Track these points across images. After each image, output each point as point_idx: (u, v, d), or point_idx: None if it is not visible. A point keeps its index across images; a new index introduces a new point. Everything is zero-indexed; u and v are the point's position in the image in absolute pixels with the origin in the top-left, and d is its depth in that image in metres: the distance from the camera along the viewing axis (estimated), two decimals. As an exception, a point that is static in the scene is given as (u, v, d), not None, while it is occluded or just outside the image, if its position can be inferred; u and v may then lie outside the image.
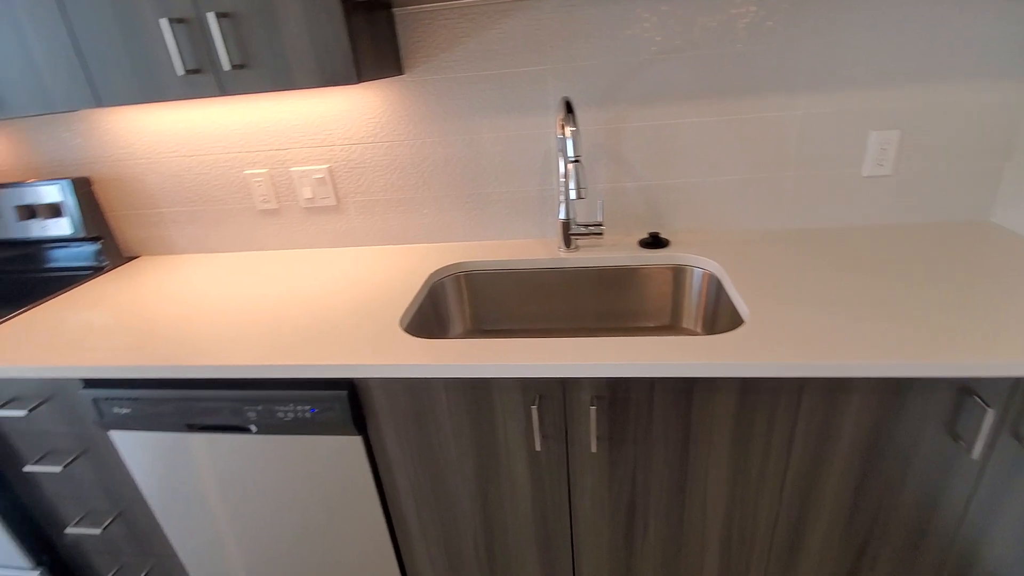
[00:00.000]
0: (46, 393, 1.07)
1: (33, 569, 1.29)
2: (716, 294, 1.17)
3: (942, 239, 1.17)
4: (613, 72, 1.20)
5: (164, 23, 0.96)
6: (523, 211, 1.38)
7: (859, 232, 1.25)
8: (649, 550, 1.06)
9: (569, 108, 1.09)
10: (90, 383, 1.03)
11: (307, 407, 0.97)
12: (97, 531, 1.23)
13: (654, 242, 1.29)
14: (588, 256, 1.27)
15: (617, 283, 1.29)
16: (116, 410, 1.03)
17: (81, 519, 1.24)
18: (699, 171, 1.28)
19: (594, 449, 0.92)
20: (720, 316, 1.14)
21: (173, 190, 1.48)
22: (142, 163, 1.45)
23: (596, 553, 1.09)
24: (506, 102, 1.26)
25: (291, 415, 0.98)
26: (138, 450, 1.09)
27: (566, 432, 0.94)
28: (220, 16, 0.96)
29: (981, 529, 0.93)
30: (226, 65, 0.98)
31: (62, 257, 1.49)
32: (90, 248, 1.48)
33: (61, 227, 1.45)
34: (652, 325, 1.31)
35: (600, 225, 1.26)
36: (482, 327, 1.37)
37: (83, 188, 1.44)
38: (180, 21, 0.98)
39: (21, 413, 1.06)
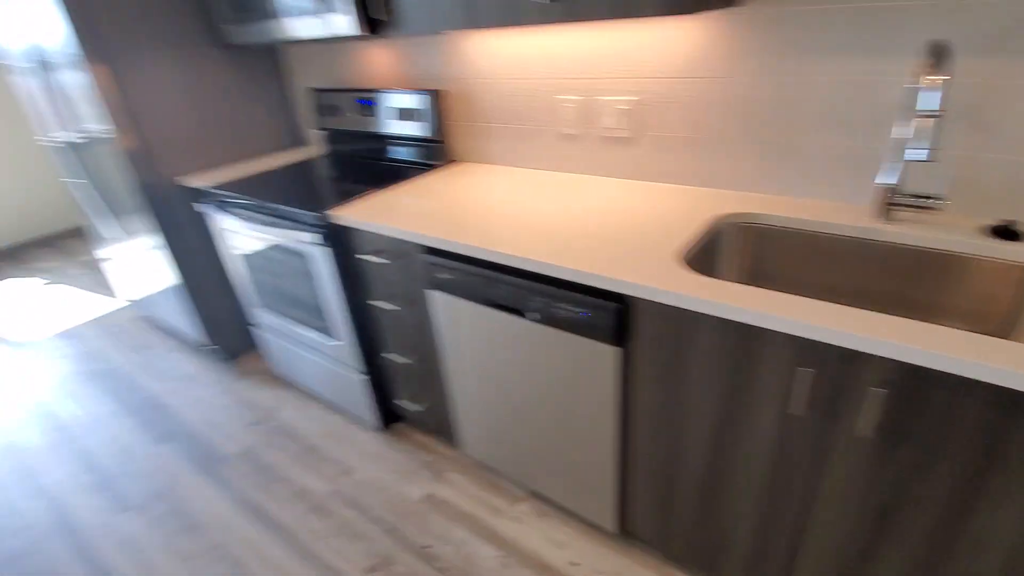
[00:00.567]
0: (398, 250, 1.44)
1: (363, 375, 1.79)
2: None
3: None
4: (1018, 12, 0.95)
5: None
6: (833, 168, 1.24)
7: None
8: (890, 564, 0.95)
9: (941, 53, 0.91)
10: (427, 250, 1.35)
11: (580, 309, 1.10)
12: (404, 361, 1.64)
13: (1006, 233, 1.03)
14: (909, 232, 1.09)
15: (938, 271, 1.09)
16: (440, 275, 1.33)
17: (397, 349, 1.67)
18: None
19: (862, 434, 0.85)
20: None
21: (499, 107, 1.73)
22: (482, 82, 1.72)
23: (824, 540, 1.02)
24: (852, 41, 1.11)
25: (566, 313, 1.13)
26: (445, 310, 1.40)
27: (833, 406, 0.88)
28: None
29: None
30: (579, -6, 1.09)
31: (412, 152, 1.91)
32: (432, 148, 1.86)
33: (417, 128, 1.84)
34: (967, 329, 1.08)
35: (938, 199, 1.06)
36: (754, 284, 1.32)
37: (438, 100, 1.79)
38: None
39: (384, 261, 1.45)
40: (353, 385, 1.85)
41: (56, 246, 4.16)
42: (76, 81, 1.86)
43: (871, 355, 0.81)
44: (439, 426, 1.74)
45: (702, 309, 0.92)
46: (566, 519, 1.54)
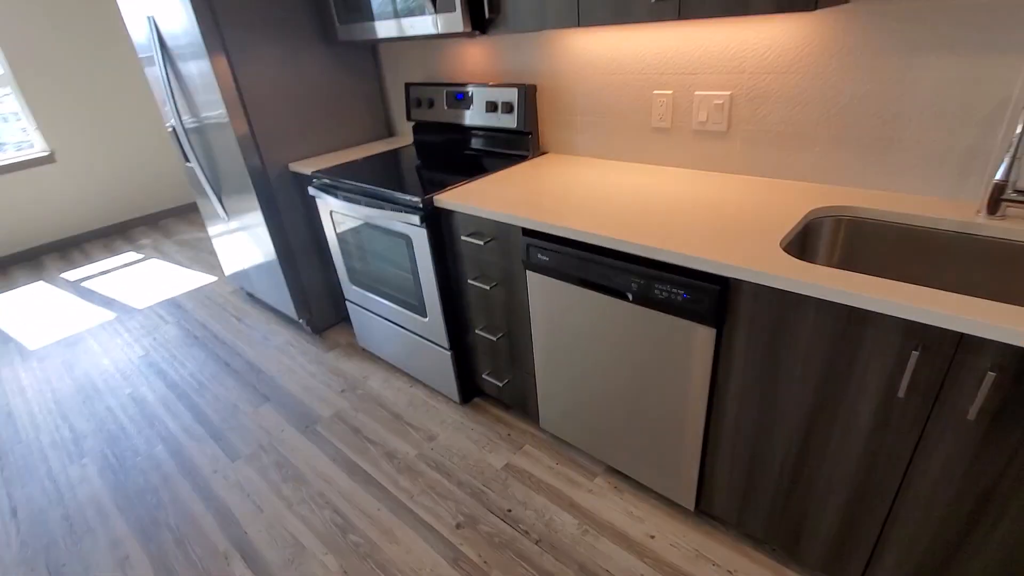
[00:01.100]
0: (496, 233, 1.54)
1: (448, 350, 1.92)
2: None
3: None
4: None
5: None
6: (936, 164, 1.25)
7: None
8: (986, 551, 0.98)
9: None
10: (526, 232, 1.44)
11: (681, 291, 1.17)
12: (490, 338, 1.75)
13: None
14: (1019, 228, 1.10)
15: (1047, 268, 1.09)
16: (539, 256, 1.43)
17: (484, 327, 1.78)
18: None
19: (971, 417, 0.88)
20: None
21: (589, 101, 1.80)
22: (573, 77, 1.80)
23: (916, 525, 1.05)
24: (961, 37, 1.12)
25: (665, 294, 1.20)
26: (541, 289, 1.49)
27: (939, 390, 0.92)
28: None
29: None
30: (693, -7, 1.15)
31: (504, 143, 2.01)
32: (522, 139, 1.95)
33: (508, 121, 1.94)
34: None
35: (1051, 195, 1.07)
36: (844, 276, 1.34)
37: (530, 93, 1.88)
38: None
39: (481, 242, 1.56)
40: (438, 360, 1.98)
41: (160, 225, 4.54)
42: (198, 70, 2.06)
43: (983, 339, 0.84)
44: (518, 401, 1.85)
45: (810, 292, 0.97)
46: (642, 495, 1.61)
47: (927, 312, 0.86)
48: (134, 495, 1.80)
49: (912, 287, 0.91)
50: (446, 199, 1.61)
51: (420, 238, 1.71)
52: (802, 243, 1.29)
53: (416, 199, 1.65)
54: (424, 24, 1.68)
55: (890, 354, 0.95)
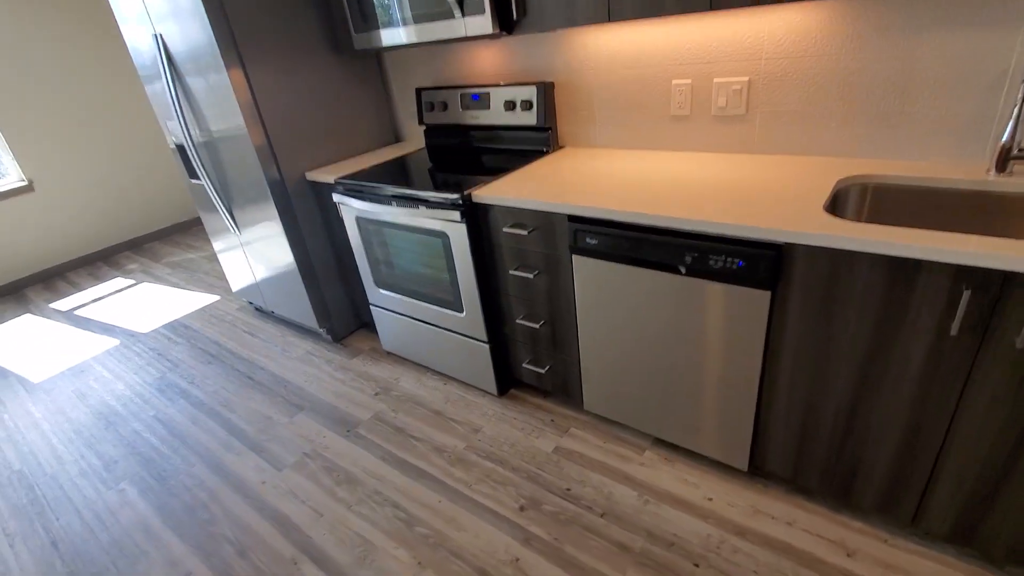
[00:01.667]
0: (539, 222, 1.61)
1: (486, 343, 1.97)
2: None
3: None
4: None
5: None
6: (946, 132, 1.38)
7: None
8: (1038, 467, 1.09)
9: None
10: (573, 219, 1.52)
11: (736, 260, 1.26)
12: (532, 326, 1.81)
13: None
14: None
15: (1055, 216, 1.23)
16: (588, 240, 1.50)
17: (525, 316, 1.84)
18: None
19: (1020, 346, 0.99)
20: None
21: (607, 95, 1.89)
22: (591, 73, 1.89)
23: (967, 456, 1.16)
24: (966, 14, 1.25)
25: (720, 264, 1.29)
26: (588, 272, 1.56)
27: (987, 325, 1.03)
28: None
29: None
30: (727, -16, 1.25)
31: (523, 140, 2.08)
32: (541, 135, 2.03)
33: (527, 118, 2.02)
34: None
35: (1055, 150, 1.20)
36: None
37: (548, 90, 1.96)
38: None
39: (524, 232, 1.63)
40: (475, 354, 2.03)
41: (145, 248, 4.43)
42: (211, 84, 2.06)
43: (1028, 275, 0.95)
44: (560, 387, 1.91)
45: (867, 249, 1.07)
46: (692, 462, 1.69)
47: (976, 255, 0.97)
48: (183, 513, 1.78)
49: (960, 235, 1.02)
50: (486, 194, 1.67)
51: (459, 234, 1.76)
52: (832, 210, 1.40)
53: (455, 196, 1.70)
54: (449, 28, 1.74)
55: (942, 297, 1.05)
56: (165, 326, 3.06)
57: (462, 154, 2.19)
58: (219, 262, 3.83)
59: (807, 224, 1.16)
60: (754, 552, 1.41)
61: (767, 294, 1.26)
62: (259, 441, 2.05)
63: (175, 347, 2.81)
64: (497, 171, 1.86)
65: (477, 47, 2.14)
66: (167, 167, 4.55)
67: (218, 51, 1.93)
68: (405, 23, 1.85)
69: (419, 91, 2.31)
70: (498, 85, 2.05)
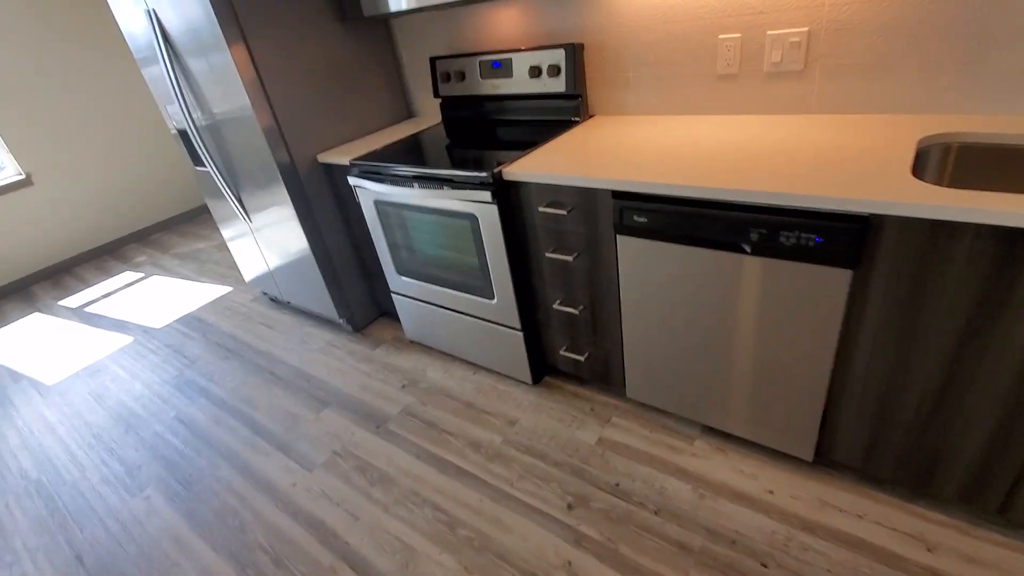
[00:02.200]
0: (578, 200, 1.47)
1: (519, 331, 1.85)
2: None
3: None
4: None
5: None
6: (1042, 81, 1.22)
7: None
8: None
9: None
10: (618, 195, 1.38)
11: (812, 235, 1.12)
12: (570, 311, 1.69)
13: None
14: None
15: None
16: (636, 218, 1.36)
17: (562, 301, 1.72)
18: None
19: None
20: None
21: (643, 55, 1.73)
22: (625, 31, 1.72)
23: (1081, 443, 1.04)
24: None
25: (793, 241, 1.15)
26: (635, 253, 1.43)
27: (1123, 302, 0.89)
28: None
29: None
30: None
31: (550, 109, 1.92)
32: (571, 104, 1.87)
33: (555, 85, 1.86)
34: None
35: None
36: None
37: (577, 53, 1.79)
38: None
39: (564, 212, 1.49)
40: (507, 342, 1.92)
41: (152, 240, 4.32)
42: (212, 63, 1.91)
43: None
44: (599, 374, 1.80)
45: (976, 219, 0.93)
46: (746, 451, 1.59)
47: (1120, 222, 0.83)
48: (213, 520, 1.70)
49: (1093, 199, 0.87)
50: (518, 171, 1.53)
51: (489, 216, 1.63)
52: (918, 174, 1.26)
53: (484, 174, 1.56)
54: (470, -14, 1.57)
55: (1066, 272, 0.92)
56: (179, 320, 2.97)
57: (483, 127, 2.04)
58: (229, 251, 3.72)
59: (899, 192, 1.01)
60: (826, 549, 1.31)
61: (847, 273, 1.12)
62: (286, 440, 1.96)
63: (191, 342, 2.72)
64: (525, 145, 1.72)
65: (496, 8, 1.96)
66: (171, 154, 4.41)
67: (217, 25, 1.77)
68: (419, -16, 1.69)
69: (433, 60, 2.14)
70: (520, 50, 1.89)
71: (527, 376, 1.97)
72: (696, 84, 1.67)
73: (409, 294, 2.16)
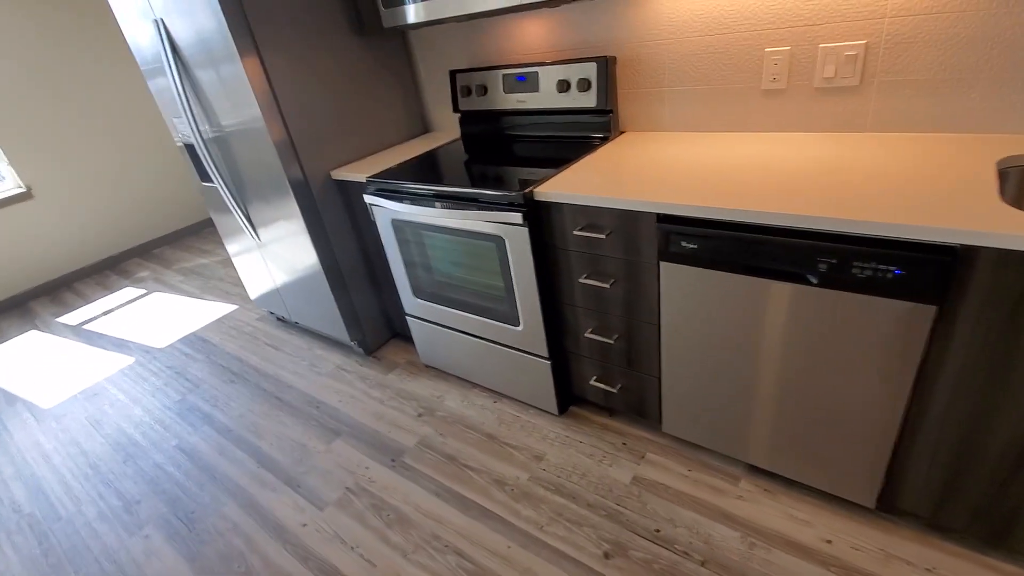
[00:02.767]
0: (618, 223, 1.36)
1: (547, 359, 1.73)
2: None
3: None
4: None
5: None
6: None
7: None
8: None
9: None
10: (664, 218, 1.27)
11: (891, 267, 1.01)
12: (609, 340, 1.58)
13: None
14: None
15: None
16: (684, 244, 1.26)
17: (595, 329, 1.60)
18: None
19: None
20: None
21: (681, 69, 1.63)
22: (663, 43, 1.63)
23: None
24: None
25: (868, 272, 1.04)
26: (679, 281, 1.32)
27: None
28: None
29: None
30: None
31: (579, 125, 1.82)
32: (601, 120, 1.77)
33: (584, 100, 1.76)
34: None
35: None
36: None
37: (609, 66, 1.70)
38: None
39: (602, 236, 1.38)
40: (532, 371, 1.80)
41: (155, 254, 4.22)
42: (223, 74, 1.82)
43: None
44: (633, 406, 1.68)
45: (1095, 252, 0.82)
46: (798, 495, 1.46)
47: None
48: (217, 563, 1.57)
49: None
50: (551, 191, 1.42)
51: (518, 239, 1.52)
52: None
53: (514, 194, 1.46)
54: (501, -4, 1.48)
55: None
56: (182, 340, 2.85)
57: (506, 143, 1.94)
58: (234, 267, 3.62)
59: (994, 221, 0.91)
60: (897, 610, 1.19)
61: (931, 308, 1.01)
62: (295, 474, 1.84)
63: (194, 364, 2.60)
64: (554, 162, 1.62)
65: (521, 20, 1.88)
66: (174, 167, 4.32)
67: (229, 36, 1.68)
68: (444, -6, 1.60)
69: (453, 74, 2.05)
70: (546, 63, 1.79)
71: (553, 406, 1.85)
72: (738, 99, 1.58)
73: (426, 317, 2.05)
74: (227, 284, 3.43)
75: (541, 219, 1.51)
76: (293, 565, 1.53)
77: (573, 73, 1.75)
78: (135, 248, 4.19)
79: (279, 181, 1.96)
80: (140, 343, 2.90)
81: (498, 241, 1.58)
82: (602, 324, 1.58)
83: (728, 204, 1.15)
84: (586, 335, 1.62)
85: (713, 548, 1.37)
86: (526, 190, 1.45)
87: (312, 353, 2.52)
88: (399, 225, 1.86)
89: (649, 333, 1.49)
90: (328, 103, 1.98)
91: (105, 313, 3.34)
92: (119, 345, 2.92)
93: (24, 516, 1.88)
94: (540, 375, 1.79)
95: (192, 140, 2.20)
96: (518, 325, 1.72)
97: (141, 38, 2.07)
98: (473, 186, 1.56)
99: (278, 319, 2.89)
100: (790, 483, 1.50)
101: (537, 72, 1.82)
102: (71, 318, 3.36)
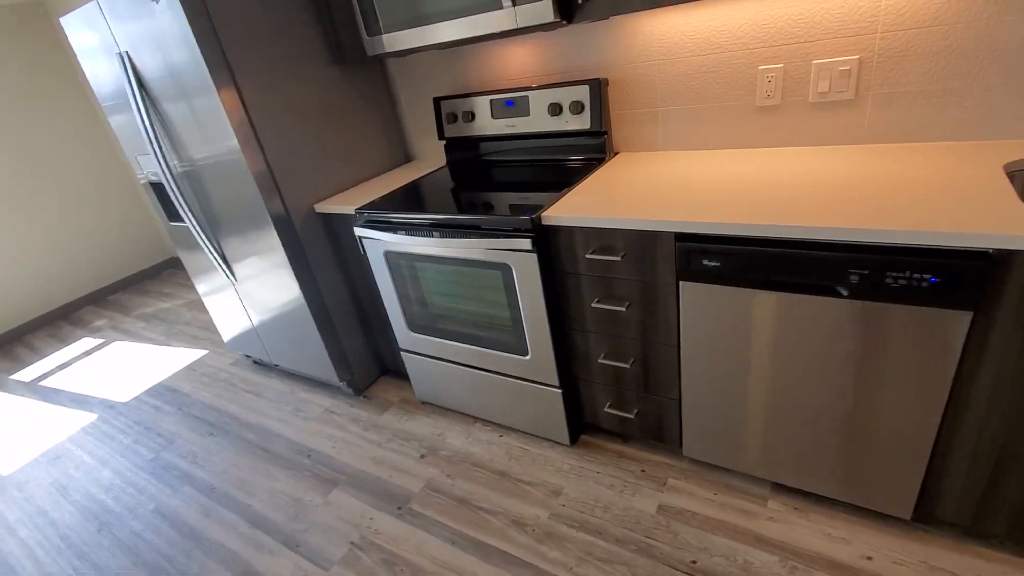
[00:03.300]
0: (632, 244, 1.33)
1: (557, 388, 1.67)
2: None
3: None
4: None
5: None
6: (1118, 101, 1.17)
7: None
8: None
9: None
10: (682, 237, 1.24)
11: (927, 275, 1.00)
12: (624, 365, 1.53)
13: None
14: None
15: None
16: (704, 262, 1.23)
17: (609, 354, 1.55)
18: None
19: None
20: None
21: (674, 89, 1.63)
22: (654, 65, 1.63)
23: None
24: None
25: (903, 281, 1.03)
26: (700, 301, 1.29)
27: None
28: None
29: None
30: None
31: (573, 148, 1.80)
32: (596, 141, 1.75)
33: (577, 123, 1.74)
34: None
35: None
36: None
37: (602, 88, 1.69)
38: None
39: (617, 258, 1.34)
40: (542, 401, 1.73)
41: (110, 301, 3.95)
42: (196, 107, 1.72)
43: None
44: (651, 431, 1.63)
45: None
46: (830, 511, 1.43)
47: None
48: (213, 643, 1.41)
49: None
50: (560, 215, 1.38)
51: (526, 265, 1.47)
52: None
53: (521, 219, 1.41)
54: (497, 20, 1.45)
55: None
56: (148, 392, 2.65)
57: (495, 170, 1.90)
58: (202, 309, 3.42)
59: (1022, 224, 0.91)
60: (951, 626, 1.15)
61: (967, 315, 1.01)
62: (292, 532, 1.69)
63: (165, 417, 2.41)
64: (551, 187, 1.58)
65: (508, 45, 1.85)
66: (131, 206, 4.09)
67: (205, 67, 1.59)
68: (434, 20, 1.56)
69: (437, 101, 2.00)
70: (533, 88, 1.77)
71: (564, 437, 1.78)
72: (733, 117, 1.59)
73: (422, 351, 1.95)
74: (194, 328, 3.23)
75: (549, 244, 1.46)
76: (301, 637, 1.38)
77: (565, 96, 1.73)
78: (89, 295, 3.93)
79: (258, 215, 1.86)
80: (102, 397, 2.67)
81: (504, 269, 1.52)
82: (616, 348, 1.53)
83: (754, 220, 1.13)
84: (599, 361, 1.56)
85: (753, 575, 1.32)
86: (534, 215, 1.40)
87: (296, 397, 2.37)
88: (393, 257, 1.77)
89: (667, 355, 1.45)
90: (308, 134, 1.90)
91: (60, 367, 3.08)
92: (79, 401, 2.69)
93: (-21, 607, 1.66)
94: (550, 405, 1.72)
95: (160, 178, 2.07)
96: (526, 355, 1.65)
97: (102, 72, 1.95)
98: (471, 213, 1.50)
99: (254, 362, 2.72)
100: (819, 499, 1.47)
101: (527, 96, 1.80)
102: (25, 374, 3.09)
